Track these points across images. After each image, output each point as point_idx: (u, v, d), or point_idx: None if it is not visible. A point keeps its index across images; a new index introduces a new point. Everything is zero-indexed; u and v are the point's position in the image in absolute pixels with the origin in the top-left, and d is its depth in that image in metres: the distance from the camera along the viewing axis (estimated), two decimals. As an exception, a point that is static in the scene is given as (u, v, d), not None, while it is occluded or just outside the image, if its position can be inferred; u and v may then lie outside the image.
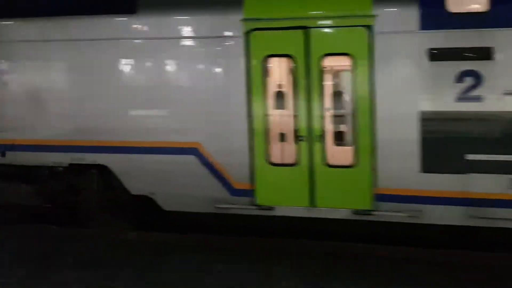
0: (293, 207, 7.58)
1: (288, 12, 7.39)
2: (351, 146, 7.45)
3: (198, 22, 7.72)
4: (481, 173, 6.86)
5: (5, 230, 8.33)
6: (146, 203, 8.11)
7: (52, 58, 8.18)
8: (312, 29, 7.27)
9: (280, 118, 7.86)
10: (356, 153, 7.28)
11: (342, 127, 8.31)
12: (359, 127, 7.21)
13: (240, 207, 7.71)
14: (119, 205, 8.31)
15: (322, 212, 7.50)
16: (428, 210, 7.12)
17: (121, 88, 7.97)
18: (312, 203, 7.48)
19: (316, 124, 7.37)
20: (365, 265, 6.84)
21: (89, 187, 8.32)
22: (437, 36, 6.91)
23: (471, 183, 6.92)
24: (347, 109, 7.90)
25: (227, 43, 7.57)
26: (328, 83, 8.03)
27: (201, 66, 7.79)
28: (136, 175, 8.01)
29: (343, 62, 7.34)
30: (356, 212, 7.37)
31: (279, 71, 8.10)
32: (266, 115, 7.53)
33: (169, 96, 7.83)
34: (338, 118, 8.08)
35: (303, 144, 7.43)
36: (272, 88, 7.86)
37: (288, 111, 7.68)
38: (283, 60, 7.68)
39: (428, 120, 6.95)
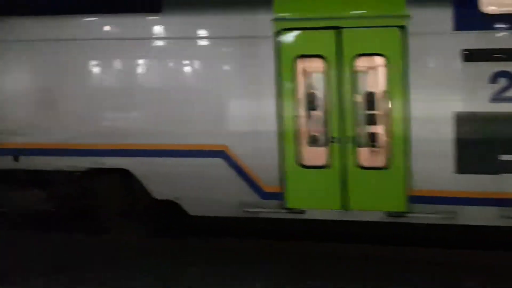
0: (324, 210, 7.46)
1: (320, 12, 7.28)
2: (384, 147, 7.38)
3: (226, 21, 7.52)
4: None
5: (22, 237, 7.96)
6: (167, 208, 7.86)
7: (70, 57, 7.84)
8: (345, 29, 7.19)
9: (311, 120, 7.73)
10: (390, 154, 7.21)
11: (375, 128, 8.23)
12: (392, 128, 7.15)
13: (270, 210, 7.54)
14: (140, 211, 8.02)
15: (354, 215, 7.40)
16: (463, 211, 7.09)
17: (145, 88, 7.71)
18: (344, 205, 7.37)
19: (348, 125, 7.27)
20: (365, 265, 6.79)
21: (108, 192, 7.99)
22: (471, 37, 6.92)
23: (505, 183, 6.93)
24: (379, 110, 7.83)
25: (256, 43, 7.41)
26: (360, 83, 7.96)
27: (228, 67, 7.60)
28: (160, 179, 7.73)
29: (375, 63, 7.27)
30: (390, 214, 7.29)
31: (310, 71, 7.98)
32: (296, 117, 7.39)
33: (194, 97, 7.60)
34: (370, 119, 7.99)
35: (335, 146, 7.32)
36: (302, 89, 7.73)
37: (319, 112, 7.56)
38: (314, 61, 7.56)
39: (463, 121, 6.94)
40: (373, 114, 7.99)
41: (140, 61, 7.75)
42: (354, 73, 7.26)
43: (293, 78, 7.34)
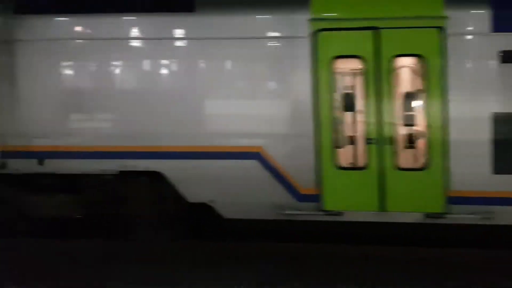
0: (362, 212, 7.42)
1: (357, 13, 7.26)
2: (422, 148, 7.36)
3: (262, 21, 7.44)
4: None
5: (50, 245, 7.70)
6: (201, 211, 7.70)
7: (100, 57, 7.64)
8: (383, 29, 7.16)
9: (348, 121, 7.67)
10: (428, 155, 7.21)
11: (413, 129, 8.22)
12: (430, 129, 7.15)
13: (307, 213, 7.45)
14: (172, 215, 7.83)
15: (393, 216, 7.37)
16: (500, 211, 7.14)
17: (180, 90, 7.54)
18: (382, 207, 7.34)
19: (386, 126, 7.24)
20: (365, 265, 6.76)
21: (140, 196, 7.78)
22: (508, 38, 6.98)
23: None
24: (417, 111, 7.82)
25: (292, 44, 7.33)
26: (398, 84, 7.93)
27: (263, 68, 7.50)
28: (194, 182, 7.57)
29: (413, 64, 7.26)
30: (428, 215, 7.29)
31: (347, 72, 7.92)
32: (333, 118, 7.33)
33: (228, 98, 7.49)
34: (408, 120, 7.96)
35: (373, 147, 7.28)
36: (339, 90, 7.67)
37: (357, 113, 7.51)
38: (352, 61, 7.51)
39: (500, 122, 6.99)
40: (411, 115, 7.96)
41: (174, 63, 7.60)
42: (392, 74, 7.25)
43: (330, 78, 7.28)
